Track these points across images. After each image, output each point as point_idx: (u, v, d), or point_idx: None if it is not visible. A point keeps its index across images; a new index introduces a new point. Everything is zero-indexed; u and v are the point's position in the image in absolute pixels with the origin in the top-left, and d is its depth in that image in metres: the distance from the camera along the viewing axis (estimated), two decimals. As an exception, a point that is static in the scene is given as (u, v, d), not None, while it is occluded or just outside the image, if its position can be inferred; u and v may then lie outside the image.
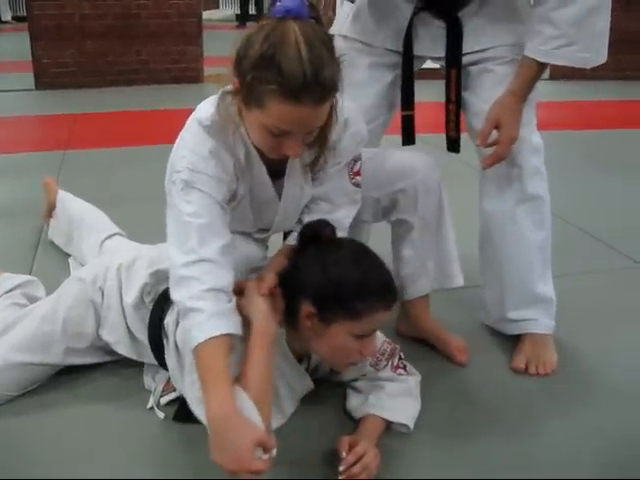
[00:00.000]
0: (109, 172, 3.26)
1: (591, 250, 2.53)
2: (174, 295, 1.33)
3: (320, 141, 1.37)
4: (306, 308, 1.31)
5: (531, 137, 1.67)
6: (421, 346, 1.78)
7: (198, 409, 1.28)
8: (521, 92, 1.59)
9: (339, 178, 1.50)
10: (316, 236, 1.38)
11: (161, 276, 1.55)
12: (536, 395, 1.63)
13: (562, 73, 6.31)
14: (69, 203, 2.29)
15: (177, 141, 1.41)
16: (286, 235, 1.61)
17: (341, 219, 1.53)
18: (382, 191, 1.64)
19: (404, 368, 1.53)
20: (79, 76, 5.33)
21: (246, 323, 1.31)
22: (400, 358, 1.54)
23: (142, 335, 1.55)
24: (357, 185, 1.53)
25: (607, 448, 1.45)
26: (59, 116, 4.48)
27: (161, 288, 1.54)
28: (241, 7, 11.30)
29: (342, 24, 1.76)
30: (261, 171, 1.43)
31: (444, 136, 1.74)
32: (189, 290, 1.28)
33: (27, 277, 1.92)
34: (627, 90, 5.98)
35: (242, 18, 11.16)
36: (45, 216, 2.36)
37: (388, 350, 1.52)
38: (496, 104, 1.61)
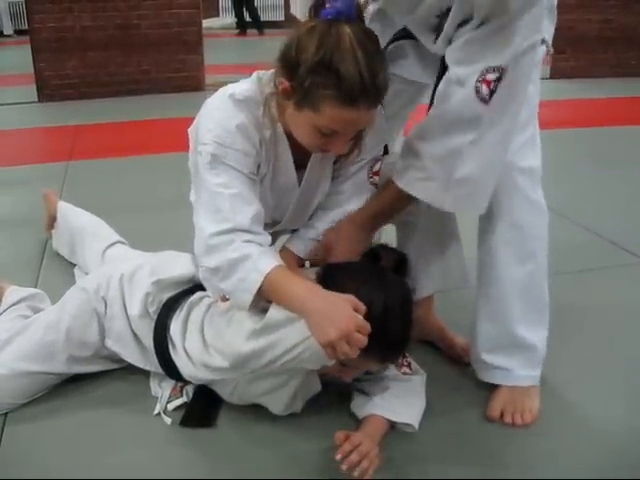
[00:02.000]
0: (113, 182, 3.27)
1: (594, 247, 2.53)
2: (209, 262, 1.33)
3: (356, 136, 1.39)
4: None
5: (518, 162, 1.48)
6: (424, 346, 1.77)
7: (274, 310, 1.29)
8: (362, 220, 1.51)
9: (358, 176, 1.54)
10: (376, 258, 1.38)
11: (163, 285, 1.56)
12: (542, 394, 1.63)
13: (562, 73, 6.32)
14: (70, 214, 2.30)
15: (202, 111, 1.41)
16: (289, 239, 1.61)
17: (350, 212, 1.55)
18: None
19: (409, 366, 1.53)
20: (81, 87, 5.36)
21: None
22: (404, 356, 1.54)
23: (150, 342, 1.55)
24: (374, 185, 1.55)
25: (611, 445, 1.45)
26: (62, 127, 4.50)
27: (164, 297, 1.55)
28: (236, 15, 11.35)
29: None
30: (287, 156, 1.44)
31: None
32: (228, 248, 1.30)
33: (33, 290, 1.93)
34: (628, 87, 5.97)
35: (241, 26, 11.21)
36: (47, 228, 2.37)
37: None
38: (335, 227, 1.54)
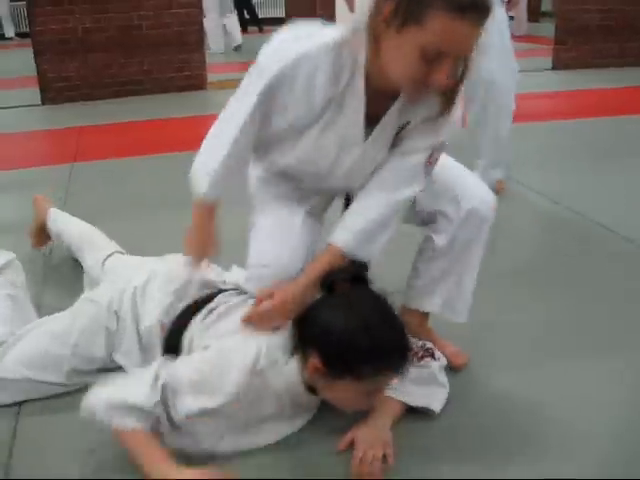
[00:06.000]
0: (118, 183, 3.28)
1: (592, 233, 2.56)
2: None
3: (450, 89, 1.33)
4: (313, 361, 1.29)
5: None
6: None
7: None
8: None
9: (414, 157, 1.45)
10: (331, 285, 1.36)
11: (180, 294, 1.56)
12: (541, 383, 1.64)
13: (564, 63, 6.31)
14: (63, 224, 2.23)
15: (275, 38, 1.36)
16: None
17: (395, 201, 1.47)
18: (426, 204, 1.55)
19: (431, 356, 1.52)
20: (84, 89, 5.38)
21: None
22: (424, 348, 1.53)
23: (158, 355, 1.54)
24: (428, 174, 1.47)
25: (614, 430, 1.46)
26: (66, 129, 4.51)
27: (179, 306, 1.55)
28: (237, 13, 11.32)
29: None
30: (359, 107, 1.38)
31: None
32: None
33: (4, 257, 1.88)
34: (630, 76, 5.95)
35: (241, 24, 11.19)
36: (30, 235, 2.32)
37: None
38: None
